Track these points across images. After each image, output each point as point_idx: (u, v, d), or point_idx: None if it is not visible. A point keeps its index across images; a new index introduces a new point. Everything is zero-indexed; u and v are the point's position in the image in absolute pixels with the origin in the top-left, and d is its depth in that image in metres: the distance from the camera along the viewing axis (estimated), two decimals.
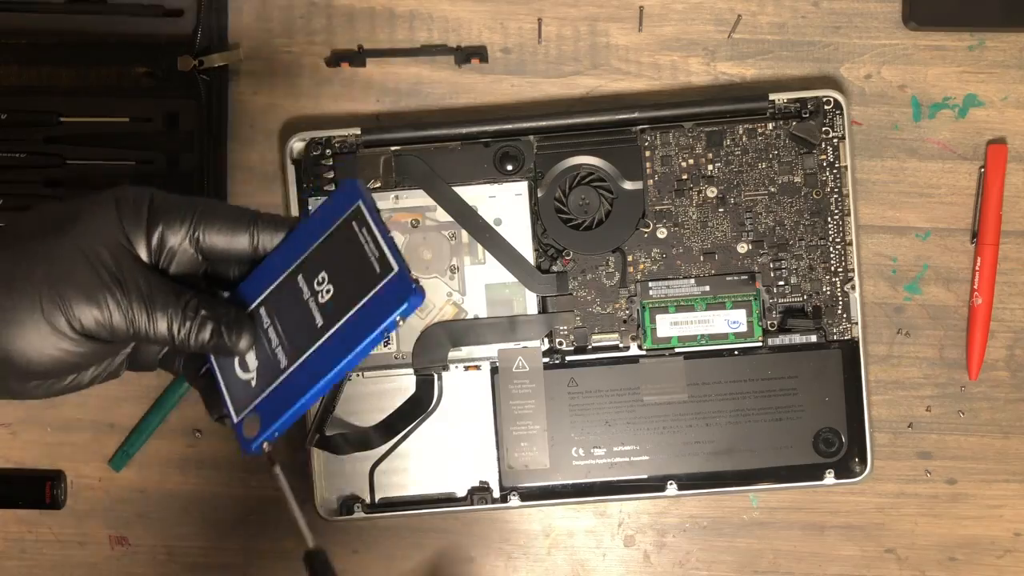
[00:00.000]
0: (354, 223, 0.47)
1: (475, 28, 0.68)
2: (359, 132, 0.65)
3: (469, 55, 0.67)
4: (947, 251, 0.68)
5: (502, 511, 0.68)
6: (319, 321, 0.46)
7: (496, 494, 0.66)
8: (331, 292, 0.46)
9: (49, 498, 0.68)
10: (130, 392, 0.69)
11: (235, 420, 0.47)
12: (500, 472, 0.66)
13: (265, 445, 0.46)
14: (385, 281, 0.45)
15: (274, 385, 0.47)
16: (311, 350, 0.46)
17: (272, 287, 0.48)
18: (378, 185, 0.65)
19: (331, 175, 0.65)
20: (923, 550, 0.68)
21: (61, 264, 0.44)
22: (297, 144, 0.66)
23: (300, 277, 0.47)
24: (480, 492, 0.66)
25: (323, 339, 0.46)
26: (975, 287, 0.67)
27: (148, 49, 0.67)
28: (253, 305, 0.48)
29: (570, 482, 0.66)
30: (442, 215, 0.65)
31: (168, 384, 0.69)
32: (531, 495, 0.66)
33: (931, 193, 0.68)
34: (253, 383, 0.47)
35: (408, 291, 0.45)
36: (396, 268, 0.45)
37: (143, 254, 0.46)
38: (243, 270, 0.49)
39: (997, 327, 0.67)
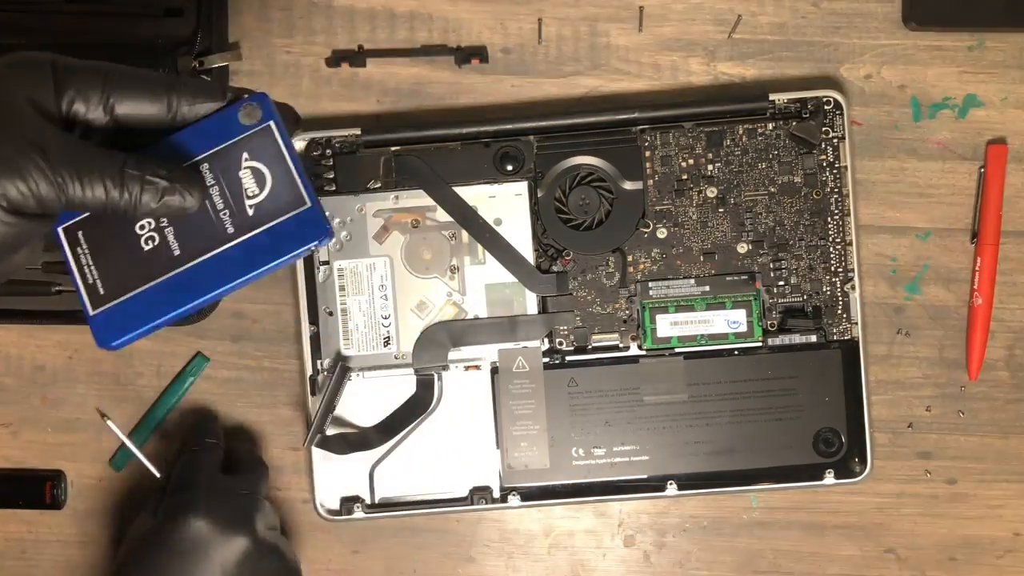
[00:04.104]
0: (263, 139, 0.46)
1: (475, 28, 0.68)
2: (359, 132, 0.65)
3: (469, 55, 0.67)
4: (947, 251, 0.68)
5: (502, 511, 0.68)
6: (227, 227, 0.45)
7: (496, 494, 0.66)
8: (232, 203, 0.45)
9: (49, 498, 0.68)
10: (130, 392, 0.69)
11: (91, 313, 0.45)
12: (500, 472, 0.66)
13: None
14: (296, 212, 0.45)
15: (160, 279, 0.45)
16: (209, 255, 0.45)
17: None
18: (378, 185, 0.65)
19: (331, 175, 0.65)
20: (923, 550, 0.68)
21: None
22: (297, 144, 0.66)
23: (206, 167, 0.46)
24: (480, 492, 0.66)
25: (224, 248, 0.45)
26: (975, 287, 0.67)
27: (148, 49, 0.67)
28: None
29: (570, 482, 0.66)
30: (442, 215, 0.65)
31: (168, 384, 0.69)
32: (531, 495, 0.66)
33: (931, 193, 0.68)
34: (137, 267, 0.45)
35: (321, 231, 0.45)
36: (309, 203, 0.46)
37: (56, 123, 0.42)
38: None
39: (997, 327, 0.67)
